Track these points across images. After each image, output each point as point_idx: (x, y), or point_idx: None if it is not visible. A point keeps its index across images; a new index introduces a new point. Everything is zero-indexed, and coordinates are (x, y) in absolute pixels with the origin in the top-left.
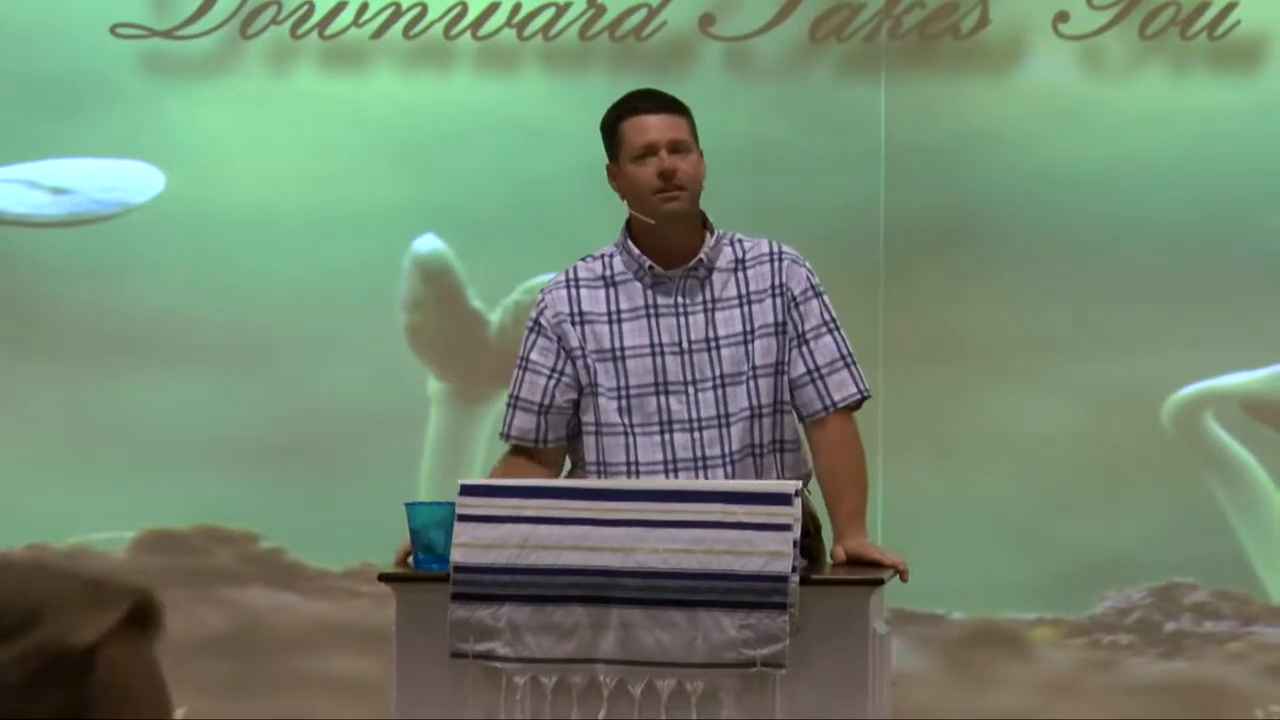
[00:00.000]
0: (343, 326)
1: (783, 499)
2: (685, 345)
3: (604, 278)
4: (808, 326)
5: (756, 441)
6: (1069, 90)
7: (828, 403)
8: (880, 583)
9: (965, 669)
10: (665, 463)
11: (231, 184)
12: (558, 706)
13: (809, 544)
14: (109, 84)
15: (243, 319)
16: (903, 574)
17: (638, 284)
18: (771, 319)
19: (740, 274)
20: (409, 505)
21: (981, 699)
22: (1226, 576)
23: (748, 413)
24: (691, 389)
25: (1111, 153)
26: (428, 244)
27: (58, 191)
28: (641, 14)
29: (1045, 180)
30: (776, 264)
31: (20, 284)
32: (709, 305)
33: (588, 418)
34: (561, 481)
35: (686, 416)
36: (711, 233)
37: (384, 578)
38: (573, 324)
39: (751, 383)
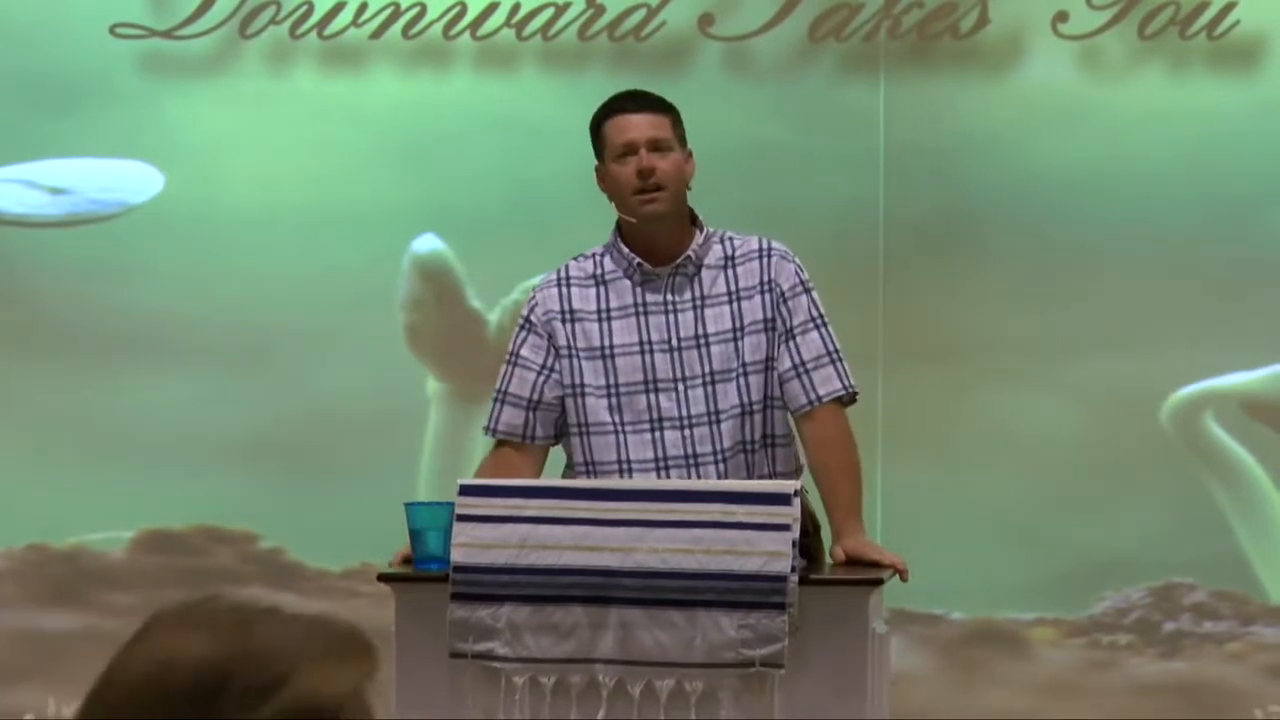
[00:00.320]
0: (342, 326)
1: (782, 499)
2: (674, 343)
3: (594, 276)
4: (795, 322)
5: (748, 438)
6: (1068, 90)
7: (812, 397)
8: (879, 583)
9: (964, 669)
10: (656, 460)
11: (231, 184)
12: (557, 706)
13: (808, 544)
14: (108, 84)
15: (242, 319)
16: (902, 574)
17: (627, 282)
18: (761, 315)
19: (730, 271)
20: (408, 505)
21: (981, 699)
22: (1225, 576)
23: (738, 410)
24: (681, 386)
25: (1110, 152)
26: (427, 244)
27: (57, 191)
28: (640, 14)
29: (1044, 180)
30: (765, 260)
31: (19, 284)
32: (698, 302)
33: (572, 418)
34: (561, 481)
35: (677, 414)
36: (701, 230)
37: (383, 578)
38: (563, 321)
39: (742, 379)
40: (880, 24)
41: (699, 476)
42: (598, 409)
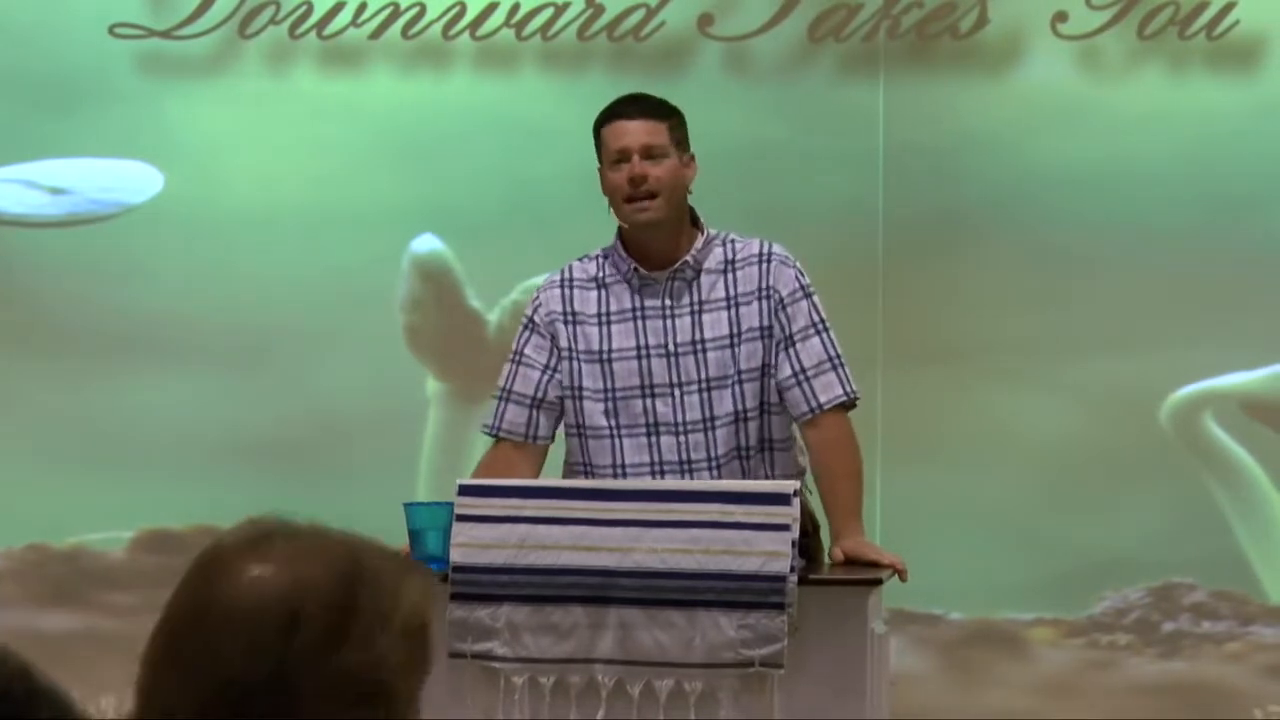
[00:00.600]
0: (341, 326)
1: (781, 499)
2: (671, 348)
3: (596, 279)
4: (795, 328)
5: (742, 444)
6: (1067, 90)
7: (814, 404)
8: (878, 583)
9: (963, 669)
10: (651, 465)
11: (230, 184)
12: (556, 706)
13: (807, 544)
14: (107, 84)
15: (241, 319)
16: (901, 574)
17: (626, 286)
18: (758, 322)
19: (729, 275)
20: (407, 505)
21: (980, 699)
22: (1225, 576)
23: (732, 416)
24: (677, 391)
25: (1110, 152)
26: (426, 244)
27: (56, 191)
28: (640, 14)
29: (1043, 180)
30: (764, 265)
31: (18, 284)
32: (695, 307)
33: (570, 419)
34: (560, 481)
35: (672, 419)
36: (702, 232)
37: None
38: (564, 323)
39: (737, 386)
40: (879, 24)
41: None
42: (594, 413)
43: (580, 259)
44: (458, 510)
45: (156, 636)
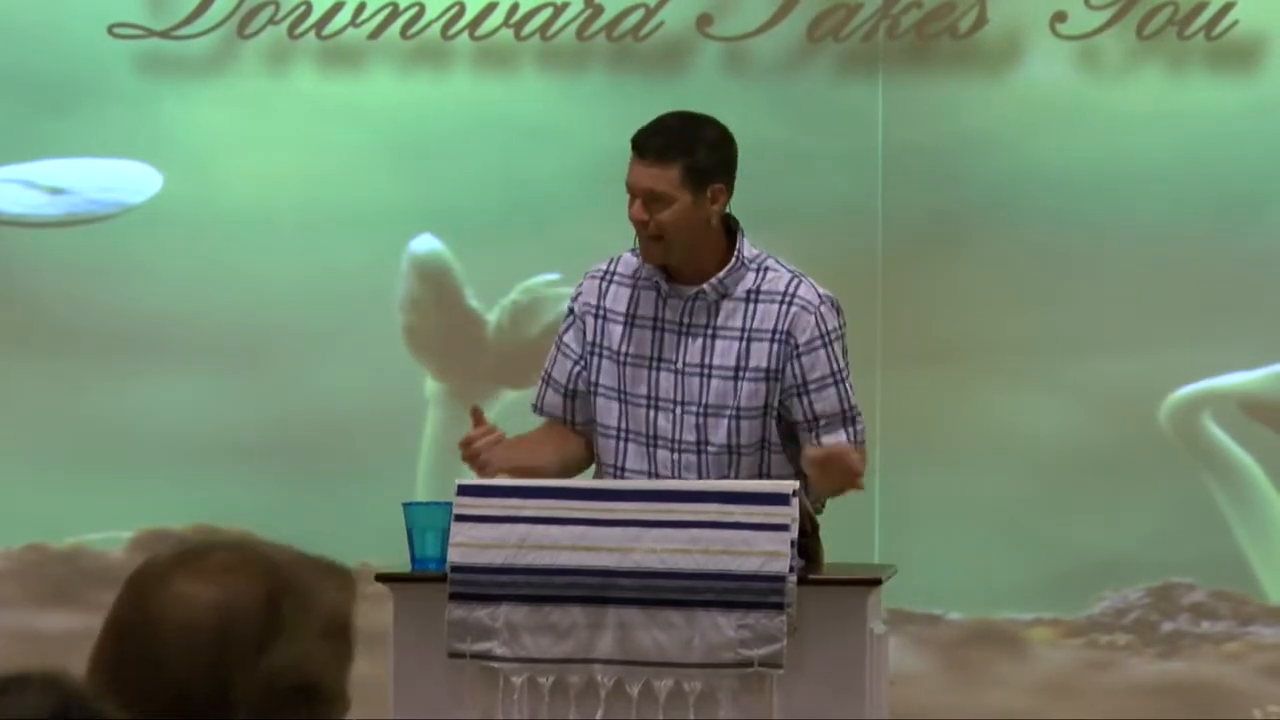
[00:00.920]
0: (340, 327)
1: (780, 499)
2: (680, 365)
3: (634, 277)
4: (811, 378)
5: (734, 477)
6: (1066, 90)
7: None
8: (878, 583)
9: (963, 669)
10: (648, 474)
11: (229, 184)
12: (555, 706)
13: (806, 544)
14: (106, 84)
15: (240, 319)
16: (854, 481)
17: (655, 293)
18: (765, 364)
19: (750, 307)
20: (406, 505)
21: (979, 699)
22: (1224, 577)
23: (724, 449)
24: (678, 409)
25: (1109, 152)
26: (425, 244)
27: (55, 191)
28: (639, 14)
29: (1042, 180)
30: (785, 307)
31: (17, 284)
32: (711, 331)
33: (591, 413)
34: (559, 481)
35: (670, 435)
36: (737, 257)
37: (381, 578)
38: (594, 316)
39: (734, 421)
40: (878, 24)
41: None
42: (608, 410)
43: (630, 251)
44: (456, 510)
45: (101, 649)
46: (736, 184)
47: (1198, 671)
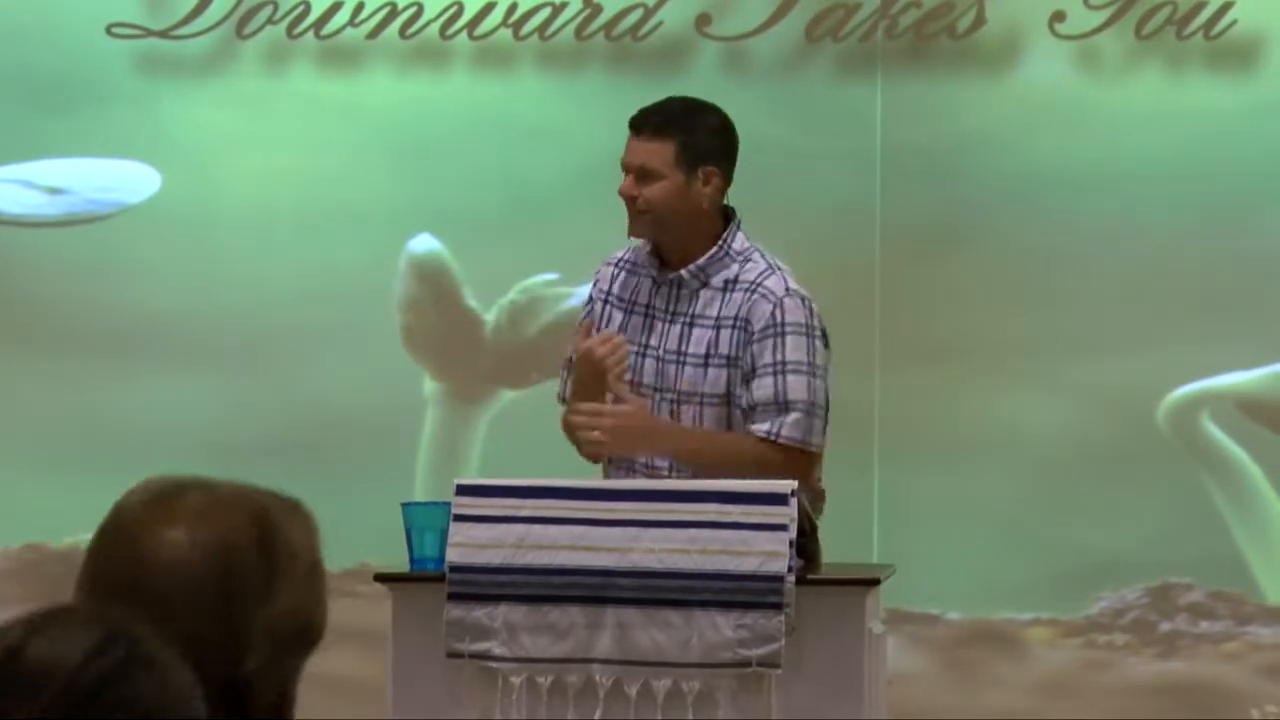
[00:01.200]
0: (339, 326)
1: (779, 499)
2: (660, 352)
3: (638, 264)
4: (757, 365)
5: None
6: (1065, 90)
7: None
8: (876, 582)
9: (961, 669)
10: (635, 460)
11: (227, 184)
12: (554, 706)
13: (805, 544)
14: (105, 84)
15: (238, 319)
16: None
17: (649, 280)
18: (727, 350)
19: (726, 295)
20: (405, 505)
21: (977, 699)
22: (1222, 577)
23: None
24: (656, 395)
25: (1108, 152)
26: (423, 244)
27: (54, 191)
28: (638, 14)
29: (1041, 180)
30: (748, 294)
31: (16, 284)
32: (688, 319)
33: None
34: (557, 481)
35: None
36: (723, 246)
37: (380, 578)
38: (602, 303)
39: (699, 408)
40: (877, 24)
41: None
42: (607, 396)
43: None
44: (455, 510)
45: (91, 601)
46: (735, 184)
47: (1196, 671)
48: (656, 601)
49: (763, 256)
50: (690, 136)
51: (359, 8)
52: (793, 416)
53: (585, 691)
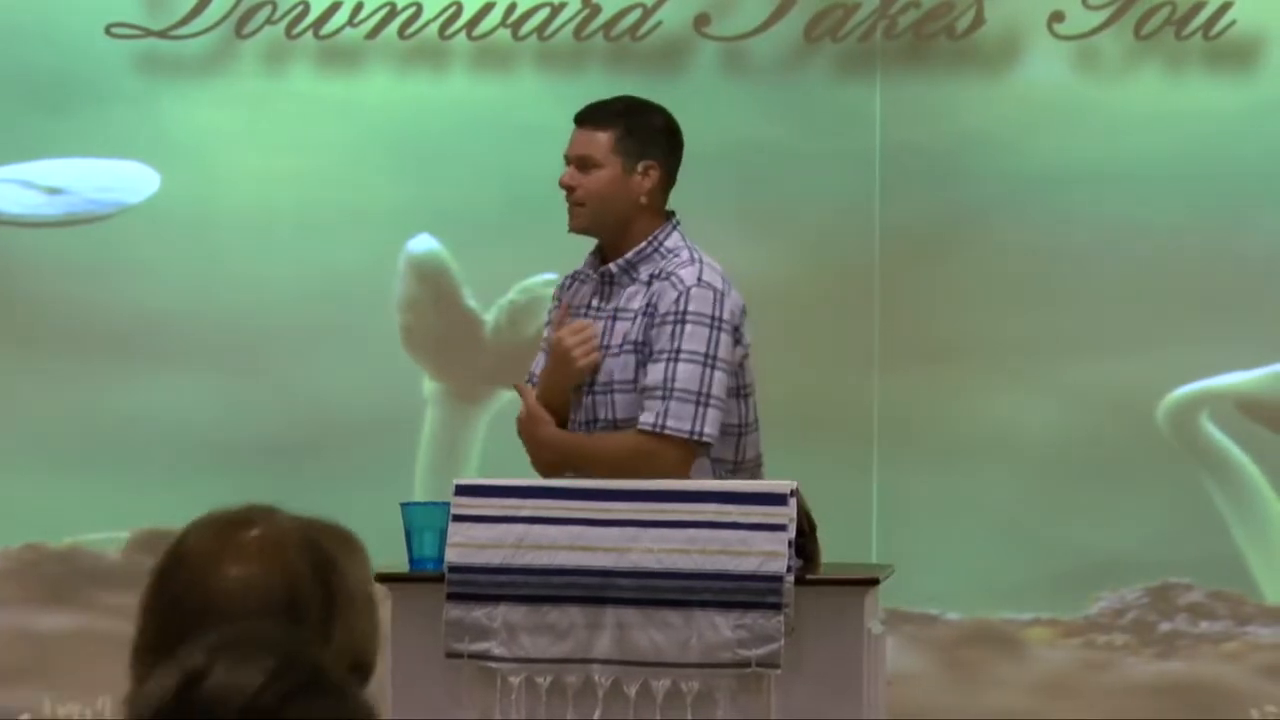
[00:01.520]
0: (338, 326)
1: (778, 499)
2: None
3: (585, 269)
4: (653, 349)
5: None
6: (1064, 90)
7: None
8: (875, 582)
9: (960, 669)
10: None
11: (227, 184)
12: (553, 707)
13: (804, 544)
14: (104, 84)
15: (238, 319)
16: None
17: (591, 283)
18: (636, 337)
19: (647, 288)
20: (404, 505)
21: (977, 699)
22: (1222, 577)
23: (609, 424)
24: (583, 390)
25: (1107, 153)
26: (423, 244)
27: (53, 191)
28: (637, 14)
29: (1040, 180)
30: (657, 282)
31: (15, 284)
32: (613, 313)
33: None
34: (557, 481)
35: (577, 417)
36: (653, 243)
37: (379, 578)
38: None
39: (609, 395)
40: (876, 24)
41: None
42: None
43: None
44: (454, 510)
45: (153, 633)
46: (734, 184)
47: (1195, 672)
48: (656, 602)
49: (693, 254)
50: (631, 129)
51: (358, 8)
52: (675, 405)
53: (584, 692)
